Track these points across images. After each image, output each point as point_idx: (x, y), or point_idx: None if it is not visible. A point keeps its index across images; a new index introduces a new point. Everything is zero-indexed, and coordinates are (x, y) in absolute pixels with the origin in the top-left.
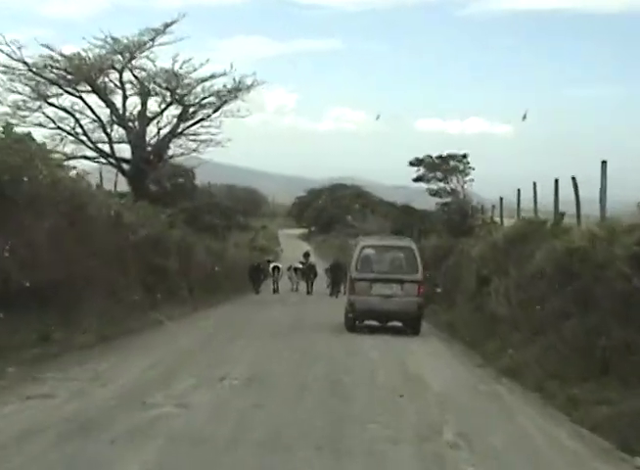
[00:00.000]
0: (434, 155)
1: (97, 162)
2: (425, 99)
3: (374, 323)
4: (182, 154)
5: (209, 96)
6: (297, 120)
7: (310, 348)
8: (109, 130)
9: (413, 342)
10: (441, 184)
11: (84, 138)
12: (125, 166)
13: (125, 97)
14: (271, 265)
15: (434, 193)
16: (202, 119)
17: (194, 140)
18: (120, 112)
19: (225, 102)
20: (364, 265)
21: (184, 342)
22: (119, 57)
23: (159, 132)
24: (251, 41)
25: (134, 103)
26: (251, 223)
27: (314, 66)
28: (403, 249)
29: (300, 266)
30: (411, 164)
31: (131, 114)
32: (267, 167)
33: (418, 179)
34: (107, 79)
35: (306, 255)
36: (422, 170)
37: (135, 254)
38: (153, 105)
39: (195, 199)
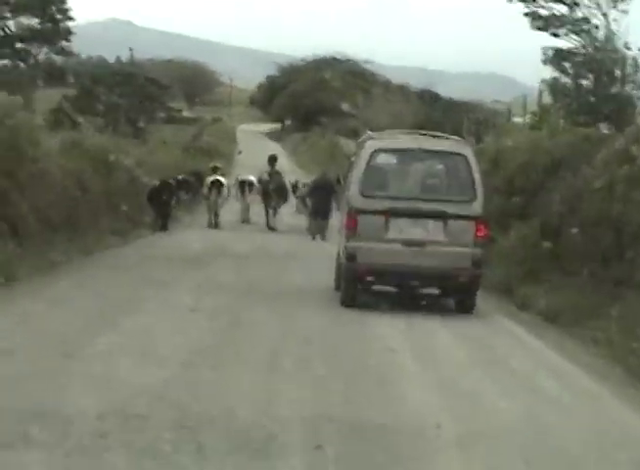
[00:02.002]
0: None
1: None
2: None
3: (388, 288)
4: None
5: None
6: None
7: (269, 362)
8: None
9: (473, 333)
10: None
11: None
12: None
13: None
14: (208, 180)
15: (541, 25)
16: None
17: None
18: None
19: None
20: (375, 185)
21: None
22: None
23: None
24: None
25: None
26: (199, 115)
27: None
28: (449, 157)
29: (257, 179)
30: None
31: None
32: (226, 38)
33: None
34: None
35: (272, 159)
36: None
37: None
38: None
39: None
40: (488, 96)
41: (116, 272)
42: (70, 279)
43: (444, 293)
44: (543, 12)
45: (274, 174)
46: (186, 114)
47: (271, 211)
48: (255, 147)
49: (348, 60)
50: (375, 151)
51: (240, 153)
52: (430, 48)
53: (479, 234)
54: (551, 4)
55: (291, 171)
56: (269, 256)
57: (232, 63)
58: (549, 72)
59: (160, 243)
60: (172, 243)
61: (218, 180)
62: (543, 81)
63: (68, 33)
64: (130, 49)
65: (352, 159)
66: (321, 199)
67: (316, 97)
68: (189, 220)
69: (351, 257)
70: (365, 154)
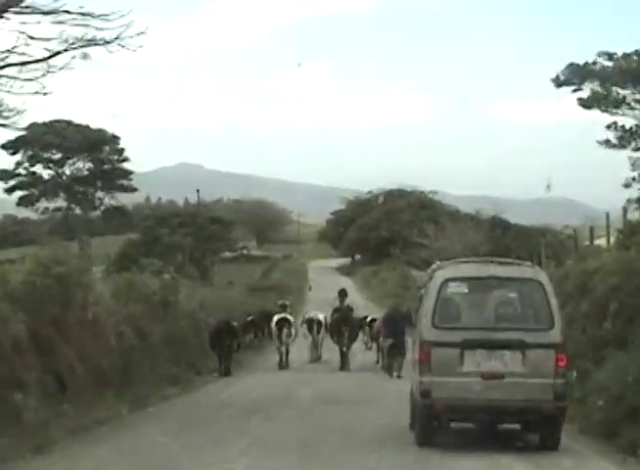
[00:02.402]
0: None
1: None
2: (502, 75)
3: (467, 425)
4: None
5: None
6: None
7: None
8: None
9: None
10: None
11: None
12: None
13: None
14: (274, 319)
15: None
16: None
17: None
18: None
19: None
20: (447, 316)
21: None
22: None
23: None
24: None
25: None
26: (269, 253)
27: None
28: (523, 283)
29: (324, 317)
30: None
31: None
32: (290, 177)
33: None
34: None
35: (342, 294)
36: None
37: None
38: None
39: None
40: (558, 222)
41: (165, 432)
42: (110, 444)
43: (527, 428)
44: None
45: (345, 310)
46: (255, 252)
47: (345, 346)
48: (326, 282)
49: (415, 191)
50: (445, 280)
51: (310, 288)
52: (494, 175)
53: (560, 364)
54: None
55: (363, 306)
56: (337, 401)
57: (298, 200)
58: (619, 194)
59: (221, 391)
60: (234, 390)
61: (286, 318)
62: (629, 201)
63: (126, 173)
64: (197, 190)
65: (422, 290)
66: (395, 333)
67: (385, 229)
68: (257, 362)
69: (426, 392)
70: (435, 284)
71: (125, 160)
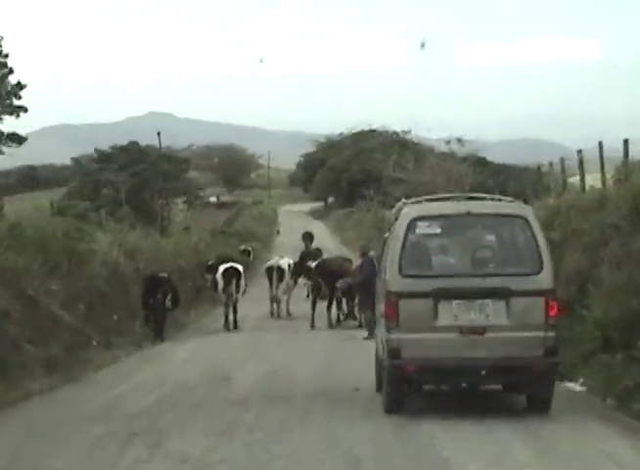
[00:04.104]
0: None
1: None
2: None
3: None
4: None
5: None
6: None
7: None
8: None
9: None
10: None
11: None
12: None
13: None
14: (220, 269)
15: None
16: None
17: None
18: None
19: None
20: (417, 262)
21: None
22: None
23: None
24: None
25: None
26: (238, 199)
27: None
28: (505, 221)
29: (289, 264)
30: None
31: None
32: (261, 123)
33: None
34: None
35: (306, 237)
36: None
37: None
38: None
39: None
40: (530, 160)
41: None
42: None
43: (512, 388)
44: None
45: (309, 252)
46: (226, 198)
47: (313, 296)
48: (297, 227)
49: (387, 131)
50: (413, 219)
51: (278, 232)
52: (462, 118)
53: (550, 313)
54: None
55: (336, 249)
56: (288, 394)
57: (269, 146)
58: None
59: (124, 378)
60: (143, 377)
61: (234, 268)
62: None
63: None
64: (158, 133)
65: (387, 234)
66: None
67: (357, 170)
68: (204, 322)
69: (395, 352)
70: (402, 224)
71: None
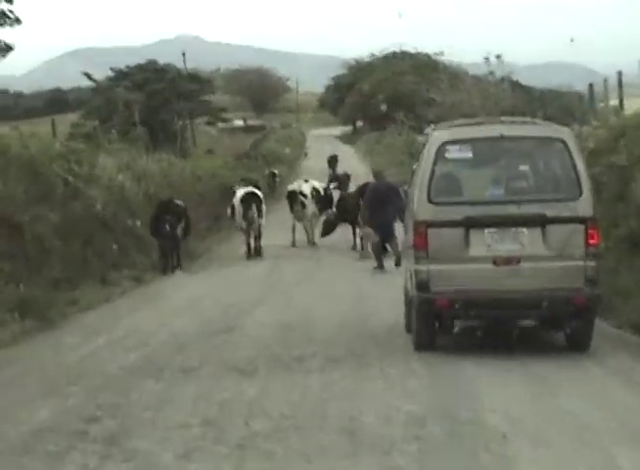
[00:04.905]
0: None
1: None
2: None
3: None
4: None
5: None
6: None
7: None
8: None
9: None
10: None
11: None
12: None
13: None
14: (238, 195)
15: None
16: None
17: None
18: None
19: None
20: (447, 188)
21: None
22: None
23: None
24: None
25: None
26: (266, 122)
27: None
28: (542, 144)
29: (313, 188)
30: None
31: None
32: (293, 47)
33: None
34: None
35: (332, 161)
36: None
37: None
38: None
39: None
40: (564, 85)
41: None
42: None
43: (549, 324)
44: None
45: (337, 176)
46: (252, 122)
47: (329, 226)
48: (326, 151)
49: (419, 53)
50: (443, 143)
51: (306, 155)
52: (501, 40)
53: (591, 241)
54: None
55: (365, 175)
56: (302, 356)
57: (299, 70)
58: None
59: (124, 316)
60: (146, 315)
61: (254, 193)
62: None
63: None
64: (183, 54)
65: (416, 164)
66: (383, 220)
67: (389, 92)
68: (222, 251)
69: (423, 284)
70: (431, 149)
71: None
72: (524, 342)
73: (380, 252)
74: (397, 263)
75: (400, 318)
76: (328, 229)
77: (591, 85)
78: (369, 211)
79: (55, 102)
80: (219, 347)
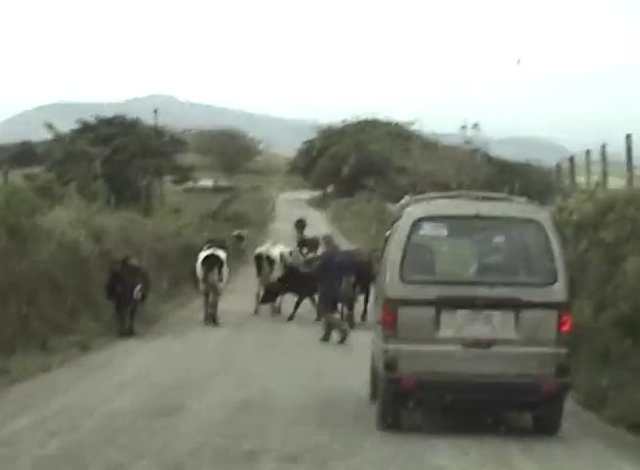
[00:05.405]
0: None
1: None
2: None
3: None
4: None
5: None
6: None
7: None
8: None
9: None
10: None
11: None
12: None
13: None
14: (200, 257)
15: None
16: None
17: None
18: None
19: None
20: (419, 266)
21: None
22: None
23: None
24: None
25: None
26: (237, 184)
27: None
28: (518, 225)
29: (281, 253)
30: None
31: None
32: (264, 110)
33: None
34: None
35: (299, 225)
36: None
37: None
38: None
39: None
40: (535, 160)
41: None
42: None
43: (519, 408)
44: None
45: (313, 243)
46: (222, 183)
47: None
48: (295, 215)
49: (391, 122)
50: (418, 220)
51: (274, 217)
52: (470, 114)
53: (563, 328)
54: None
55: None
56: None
57: (270, 132)
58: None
59: (57, 391)
60: (82, 390)
61: (215, 256)
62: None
63: None
64: (155, 111)
65: (388, 233)
66: (332, 288)
67: (360, 159)
68: (181, 315)
69: (392, 364)
70: (405, 224)
71: None
72: (492, 420)
73: (330, 325)
74: (342, 340)
75: (365, 393)
76: (269, 296)
77: (558, 165)
78: (323, 284)
79: (23, 155)
80: (159, 434)
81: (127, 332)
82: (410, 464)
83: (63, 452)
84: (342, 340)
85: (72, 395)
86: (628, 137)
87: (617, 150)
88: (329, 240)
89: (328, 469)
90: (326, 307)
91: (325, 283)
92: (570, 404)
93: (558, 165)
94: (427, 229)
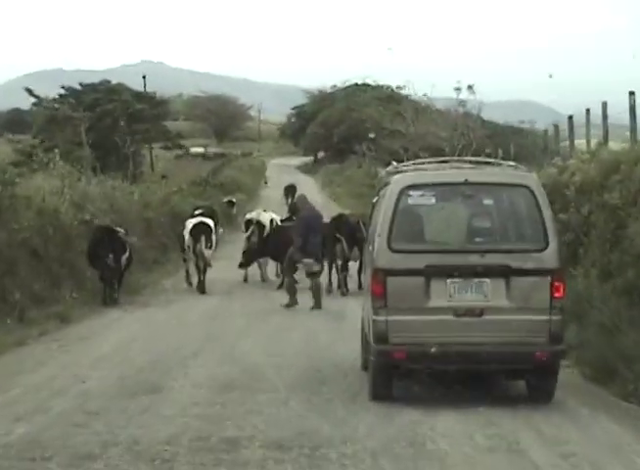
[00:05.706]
0: None
1: None
2: None
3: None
4: None
5: None
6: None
7: None
8: None
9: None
10: None
11: None
12: None
13: None
14: (189, 225)
15: None
16: None
17: None
18: None
19: None
20: (408, 235)
21: None
22: None
23: None
24: None
25: None
26: (228, 150)
27: None
28: (507, 190)
29: (272, 219)
30: None
31: None
32: (254, 75)
33: None
34: None
35: (289, 190)
36: None
37: None
38: None
39: None
40: (528, 122)
41: None
42: None
43: (512, 376)
44: None
45: (294, 205)
46: (213, 149)
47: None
48: (285, 180)
49: (381, 86)
50: (405, 187)
51: (266, 183)
52: (462, 77)
53: (556, 294)
54: None
55: (324, 205)
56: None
57: (261, 98)
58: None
59: (30, 368)
60: (56, 366)
61: (204, 223)
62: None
63: None
64: (144, 76)
65: (375, 199)
66: (314, 248)
67: (350, 125)
68: (170, 283)
69: (381, 336)
70: (392, 192)
71: None
72: (484, 390)
73: (294, 289)
74: (287, 306)
75: (358, 364)
76: (248, 259)
77: (556, 126)
78: (303, 241)
79: (13, 122)
80: (135, 418)
81: (111, 302)
82: (410, 451)
83: (26, 441)
84: (287, 306)
85: (46, 371)
86: (632, 95)
87: (609, 113)
88: (304, 200)
89: (318, 458)
90: (289, 270)
91: (305, 243)
92: (577, 379)
93: (555, 126)
94: (414, 197)
